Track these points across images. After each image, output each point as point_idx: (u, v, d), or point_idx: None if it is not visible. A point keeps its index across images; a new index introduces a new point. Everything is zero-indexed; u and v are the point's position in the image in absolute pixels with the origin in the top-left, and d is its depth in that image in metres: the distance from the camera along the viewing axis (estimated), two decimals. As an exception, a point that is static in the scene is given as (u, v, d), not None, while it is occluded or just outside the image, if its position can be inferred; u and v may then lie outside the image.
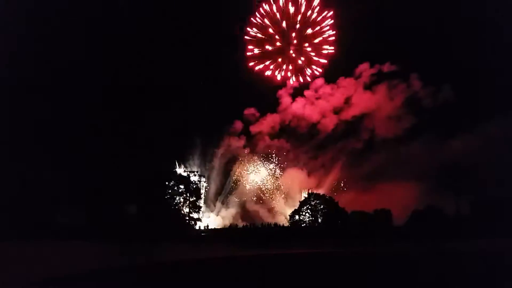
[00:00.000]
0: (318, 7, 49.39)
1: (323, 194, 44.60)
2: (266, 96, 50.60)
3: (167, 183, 44.08)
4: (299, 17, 49.76)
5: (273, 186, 49.22)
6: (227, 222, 46.98)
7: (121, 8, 46.47)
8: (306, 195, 45.32)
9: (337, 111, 49.92)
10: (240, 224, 46.19)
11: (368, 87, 49.38)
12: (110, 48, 46.80)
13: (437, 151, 46.10)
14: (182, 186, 43.91)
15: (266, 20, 50.05)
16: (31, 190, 38.58)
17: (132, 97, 47.96)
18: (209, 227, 44.68)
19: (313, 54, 50.08)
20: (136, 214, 40.44)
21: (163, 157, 47.40)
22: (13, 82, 42.79)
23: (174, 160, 48.41)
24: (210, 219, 47.35)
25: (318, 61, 50.11)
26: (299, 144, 50.09)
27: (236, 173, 49.17)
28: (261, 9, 49.93)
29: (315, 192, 45.13)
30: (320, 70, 50.11)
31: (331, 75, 50.13)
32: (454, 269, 26.88)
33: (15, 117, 42.56)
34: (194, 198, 43.22)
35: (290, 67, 50.42)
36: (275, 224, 44.38)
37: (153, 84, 48.56)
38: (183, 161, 48.73)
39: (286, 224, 44.48)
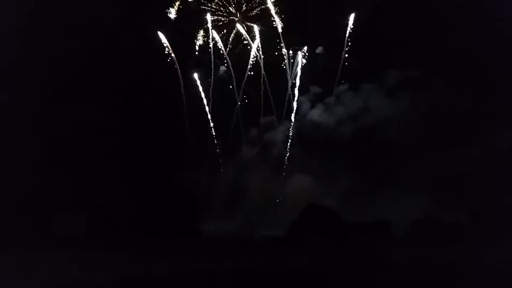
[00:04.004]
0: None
1: (322, 205, 44.49)
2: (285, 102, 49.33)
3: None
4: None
5: (279, 194, 49.16)
6: (230, 231, 46.83)
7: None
8: (306, 205, 44.73)
9: (354, 117, 48.31)
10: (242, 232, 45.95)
11: (390, 93, 47.76)
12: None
13: (440, 159, 45.81)
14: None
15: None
16: (29, 197, 38.68)
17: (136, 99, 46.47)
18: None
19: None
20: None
21: (169, 164, 46.56)
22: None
23: (180, 168, 48.14)
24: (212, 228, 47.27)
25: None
26: (312, 151, 49.64)
27: (245, 181, 48.92)
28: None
29: (315, 202, 45.15)
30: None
31: (355, 80, 48.32)
32: (454, 279, 26.92)
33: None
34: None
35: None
36: (274, 236, 43.87)
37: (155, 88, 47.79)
38: (191, 169, 47.59)
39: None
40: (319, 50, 49.70)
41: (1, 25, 40.80)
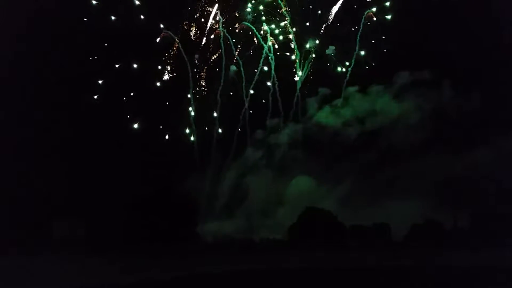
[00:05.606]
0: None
1: (322, 208, 44.65)
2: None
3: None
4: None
5: (280, 197, 49.18)
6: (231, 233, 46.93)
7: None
8: (307, 208, 44.78)
9: (361, 119, 49.25)
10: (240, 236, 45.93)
11: (397, 95, 48.49)
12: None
13: (440, 164, 45.72)
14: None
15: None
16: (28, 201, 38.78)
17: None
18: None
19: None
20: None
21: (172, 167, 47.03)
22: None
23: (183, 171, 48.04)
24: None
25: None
26: (315, 154, 49.55)
27: (247, 183, 48.90)
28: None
29: (316, 205, 45.21)
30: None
31: (365, 82, 49.27)
32: (454, 284, 26.92)
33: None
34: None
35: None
36: (274, 238, 44.18)
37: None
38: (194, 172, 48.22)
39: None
40: (330, 50, 49.98)
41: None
